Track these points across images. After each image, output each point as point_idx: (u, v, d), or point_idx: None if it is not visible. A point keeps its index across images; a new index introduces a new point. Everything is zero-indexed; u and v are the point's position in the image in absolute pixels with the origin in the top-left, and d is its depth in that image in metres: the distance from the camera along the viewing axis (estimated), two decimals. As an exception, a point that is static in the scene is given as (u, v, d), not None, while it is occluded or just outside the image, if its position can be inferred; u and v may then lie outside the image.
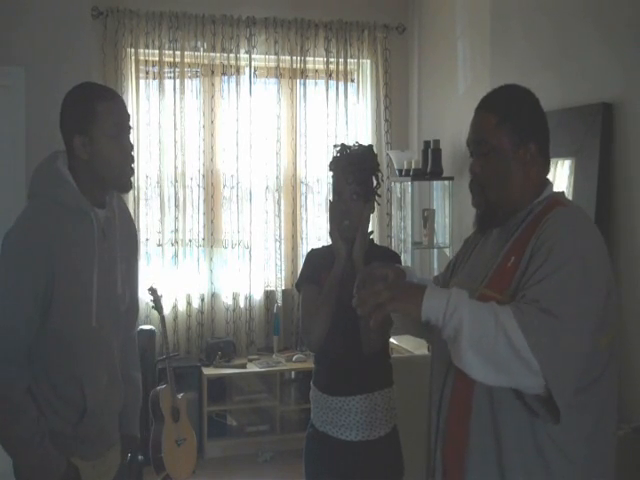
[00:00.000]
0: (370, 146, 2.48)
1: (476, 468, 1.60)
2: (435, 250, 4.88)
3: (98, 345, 1.99)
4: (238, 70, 5.00)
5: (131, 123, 2.04)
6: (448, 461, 1.66)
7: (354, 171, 2.33)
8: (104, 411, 2.03)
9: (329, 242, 2.45)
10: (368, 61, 5.26)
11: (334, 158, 2.41)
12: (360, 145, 2.45)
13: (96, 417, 2.00)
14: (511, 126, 1.66)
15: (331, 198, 2.43)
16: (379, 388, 2.37)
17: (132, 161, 2.00)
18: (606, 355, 1.58)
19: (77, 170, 1.95)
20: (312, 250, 2.63)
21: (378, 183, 2.42)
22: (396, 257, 2.53)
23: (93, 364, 1.99)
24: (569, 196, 3.17)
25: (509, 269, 1.59)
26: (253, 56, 5.01)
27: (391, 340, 2.54)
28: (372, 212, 2.43)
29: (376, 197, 2.42)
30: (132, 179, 2.03)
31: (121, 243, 2.06)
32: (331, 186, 2.46)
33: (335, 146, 2.45)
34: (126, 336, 2.18)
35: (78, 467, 1.98)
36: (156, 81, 4.87)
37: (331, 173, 2.43)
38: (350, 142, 2.48)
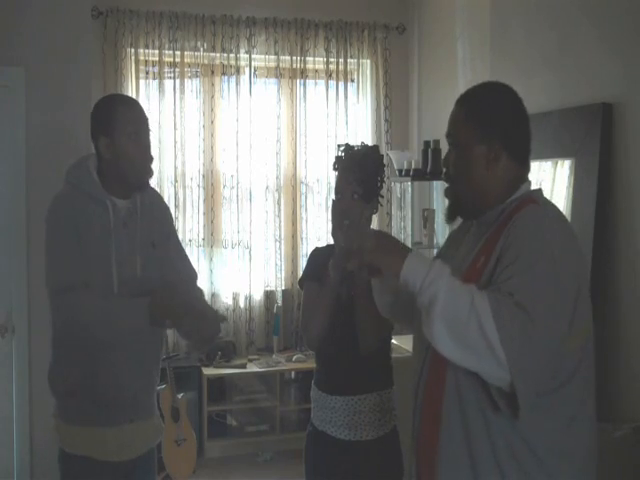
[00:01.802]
0: (375, 147, 2.47)
1: (448, 474, 1.59)
2: (435, 250, 4.88)
3: (117, 316, 2.13)
4: (238, 70, 5.00)
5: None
6: (421, 466, 1.67)
7: (355, 170, 2.33)
8: (125, 377, 2.18)
9: (332, 241, 2.45)
10: (368, 61, 5.26)
11: (337, 157, 2.41)
12: (365, 145, 2.45)
13: (113, 379, 2.16)
14: (475, 123, 1.67)
15: (334, 197, 2.43)
16: (379, 389, 2.37)
17: (151, 160, 2.25)
18: (575, 359, 1.55)
19: (104, 170, 2.24)
20: (316, 248, 2.63)
21: (381, 184, 2.42)
22: None
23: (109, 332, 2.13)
24: (569, 196, 3.17)
25: (479, 269, 1.59)
26: (253, 56, 5.01)
27: (392, 341, 2.53)
28: (374, 213, 2.42)
29: (379, 198, 2.42)
30: (149, 181, 2.29)
31: (145, 231, 2.27)
32: (333, 186, 2.46)
33: (339, 146, 2.45)
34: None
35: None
36: (156, 81, 4.87)
37: (335, 173, 2.43)
38: (353, 142, 2.48)
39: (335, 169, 2.41)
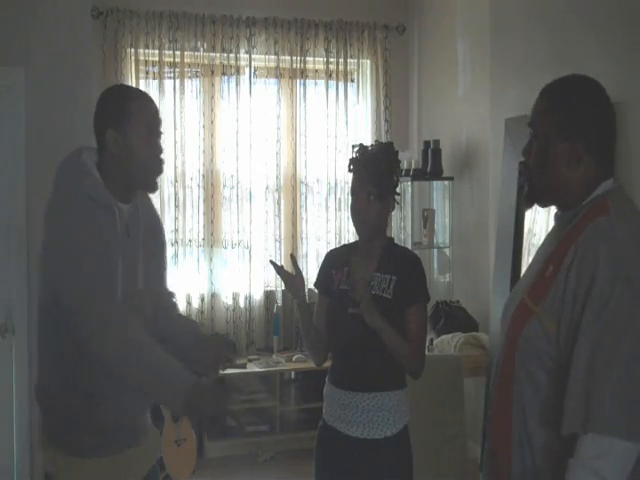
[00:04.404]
0: (389, 144, 2.48)
1: None
2: (435, 250, 4.88)
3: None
4: (238, 70, 5.00)
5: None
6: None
7: (369, 173, 2.34)
8: (124, 405, 2.02)
9: (340, 242, 2.47)
10: (368, 61, 5.27)
11: (351, 159, 2.42)
12: (379, 144, 2.46)
13: (113, 408, 1.99)
14: (558, 117, 1.61)
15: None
16: (390, 389, 2.36)
17: (161, 162, 2.05)
18: None
19: (106, 165, 1.99)
20: (330, 251, 2.64)
21: (397, 182, 2.42)
22: (414, 261, 2.48)
23: None
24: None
25: (547, 279, 1.58)
26: (253, 56, 5.02)
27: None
28: (391, 211, 2.46)
29: (395, 196, 2.43)
30: (157, 181, 2.07)
31: (145, 239, 2.08)
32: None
33: (354, 146, 2.45)
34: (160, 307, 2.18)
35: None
36: (156, 81, 4.87)
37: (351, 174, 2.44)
38: (366, 143, 2.49)
39: (350, 170, 2.42)
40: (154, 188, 2.08)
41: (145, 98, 2.05)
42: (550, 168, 1.63)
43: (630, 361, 1.44)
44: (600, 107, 1.64)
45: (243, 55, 5.00)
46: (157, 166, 2.04)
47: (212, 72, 4.95)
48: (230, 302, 5.06)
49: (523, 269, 3.50)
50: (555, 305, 1.54)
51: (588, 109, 1.62)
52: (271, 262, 2.53)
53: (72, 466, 2.00)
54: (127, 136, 1.96)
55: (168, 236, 4.86)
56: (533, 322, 1.57)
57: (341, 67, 5.16)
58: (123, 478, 2.06)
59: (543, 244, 1.79)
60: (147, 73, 4.89)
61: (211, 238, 4.97)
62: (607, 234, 1.52)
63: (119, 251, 1.96)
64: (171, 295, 2.34)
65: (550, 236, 1.76)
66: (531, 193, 1.72)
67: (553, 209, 1.76)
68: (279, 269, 2.45)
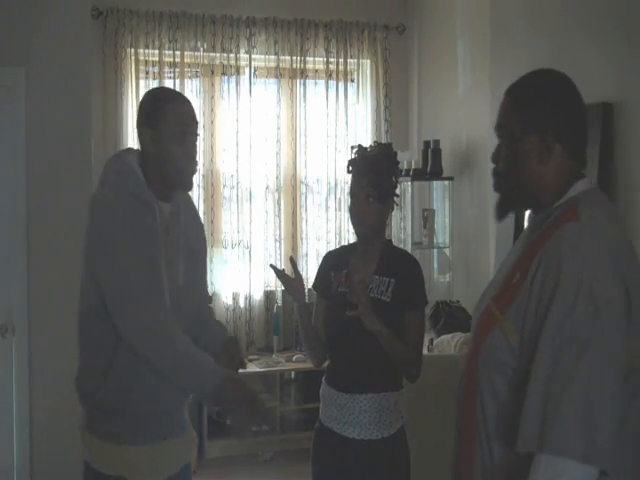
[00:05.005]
0: (387, 145, 2.48)
1: None
2: (435, 250, 4.88)
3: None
4: (238, 70, 5.00)
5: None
6: None
7: (369, 174, 2.33)
8: (160, 396, 2.04)
9: (340, 242, 2.48)
10: (368, 61, 5.27)
11: (350, 160, 2.42)
12: (378, 145, 2.45)
13: (150, 396, 2.02)
14: (524, 111, 1.57)
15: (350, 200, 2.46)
16: (386, 390, 2.37)
17: (195, 163, 2.12)
18: (629, 387, 1.44)
19: (146, 163, 2.07)
20: (328, 253, 2.66)
21: (396, 182, 2.42)
22: (413, 264, 2.46)
23: None
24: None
25: (513, 286, 1.54)
26: (253, 56, 5.02)
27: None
28: (391, 212, 2.46)
29: (394, 197, 2.43)
30: (193, 179, 2.13)
31: (186, 238, 2.14)
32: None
33: (352, 147, 2.46)
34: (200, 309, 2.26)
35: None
36: (156, 81, 4.87)
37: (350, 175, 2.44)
38: (366, 144, 2.49)
39: (349, 172, 2.42)
40: (189, 186, 2.14)
41: (181, 100, 2.12)
42: (521, 166, 1.58)
43: (589, 380, 1.37)
44: (565, 96, 1.60)
45: (243, 55, 5.00)
46: (190, 167, 2.09)
47: (212, 72, 4.95)
48: (230, 302, 5.06)
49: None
50: (519, 314, 1.49)
51: (553, 97, 1.58)
52: (272, 266, 2.53)
53: (105, 451, 2.04)
54: (161, 136, 2.03)
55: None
56: (496, 331, 1.53)
57: (341, 67, 5.16)
58: (155, 469, 2.08)
59: (515, 246, 1.74)
60: (147, 73, 4.88)
61: (211, 238, 4.97)
62: (574, 243, 1.45)
63: (160, 248, 2.02)
64: (209, 299, 2.40)
65: (521, 239, 1.71)
66: (504, 199, 1.65)
67: None
68: (279, 273, 2.46)
